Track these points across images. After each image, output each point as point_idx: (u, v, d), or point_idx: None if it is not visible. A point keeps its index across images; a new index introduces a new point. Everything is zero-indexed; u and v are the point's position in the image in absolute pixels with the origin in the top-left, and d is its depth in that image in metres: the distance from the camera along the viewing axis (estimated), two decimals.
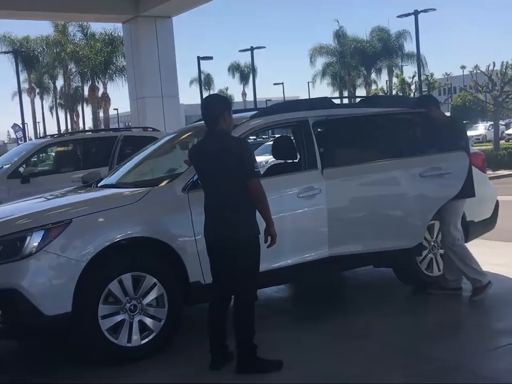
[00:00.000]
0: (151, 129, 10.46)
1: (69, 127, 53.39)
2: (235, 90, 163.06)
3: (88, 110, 55.20)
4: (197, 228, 4.58)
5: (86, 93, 50.18)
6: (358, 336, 4.82)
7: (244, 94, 73.11)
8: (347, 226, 5.28)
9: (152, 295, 4.53)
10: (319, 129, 5.36)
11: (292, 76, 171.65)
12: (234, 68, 69.72)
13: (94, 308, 4.31)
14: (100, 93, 47.66)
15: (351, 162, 5.41)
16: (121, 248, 4.50)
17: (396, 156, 5.59)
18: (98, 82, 47.31)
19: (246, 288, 4.18)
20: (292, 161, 5.62)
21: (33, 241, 4.23)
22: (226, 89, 73.74)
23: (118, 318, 4.42)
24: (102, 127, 46.21)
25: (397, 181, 5.56)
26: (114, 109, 61.44)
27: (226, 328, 4.28)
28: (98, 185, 5.73)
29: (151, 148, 6.22)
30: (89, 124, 54.35)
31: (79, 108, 55.33)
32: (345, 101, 21.51)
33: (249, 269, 4.15)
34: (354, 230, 5.31)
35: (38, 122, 58.94)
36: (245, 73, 68.94)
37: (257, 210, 4.15)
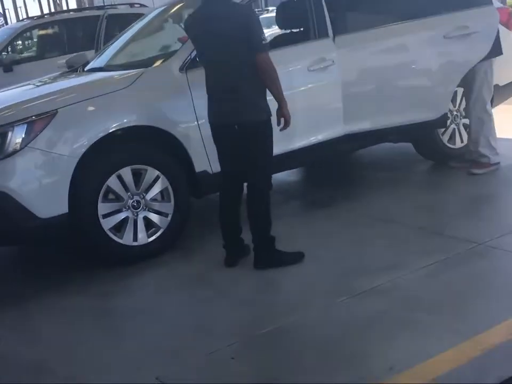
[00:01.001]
0: (139, 5, 9.74)
1: (52, 10, 51.07)
2: None
3: None
4: (199, 111, 4.11)
5: None
6: (380, 220, 4.44)
7: None
8: (364, 100, 4.78)
9: (155, 189, 4.14)
10: None
11: None
12: None
13: (93, 207, 3.92)
14: None
15: (366, 26, 4.80)
16: (117, 139, 4.05)
17: (416, 17, 4.94)
18: None
19: (260, 175, 3.77)
20: (298, 29, 5.03)
21: (16, 137, 3.73)
22: None
23: (121, 215, 4.06)
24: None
25: (418, 45, 4.95)
26: None
27: (240, 221, 3.92)
28: (85, 69, 5.18)
29: (140, 24, 5.60)
30: (73, 6, 51.99)
31: None
32: None
33: (262, 154, 3.72)
34: (372, 104, 4.81)
35: (19, 7, 56.37)
36: None
37: (267, 89, 3.64)
